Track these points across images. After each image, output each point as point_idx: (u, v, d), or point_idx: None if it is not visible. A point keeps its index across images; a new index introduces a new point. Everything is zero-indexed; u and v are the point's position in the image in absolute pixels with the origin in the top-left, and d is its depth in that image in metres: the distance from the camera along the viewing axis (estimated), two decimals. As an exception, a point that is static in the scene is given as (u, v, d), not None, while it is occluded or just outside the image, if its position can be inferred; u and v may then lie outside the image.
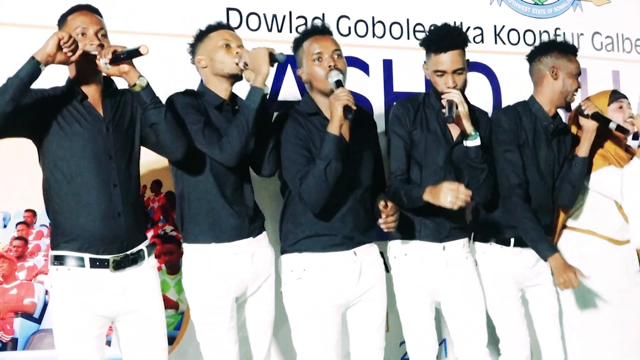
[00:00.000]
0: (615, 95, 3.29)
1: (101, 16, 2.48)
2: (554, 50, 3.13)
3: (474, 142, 2.80)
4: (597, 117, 3.05)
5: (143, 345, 2.51)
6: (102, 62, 2.31)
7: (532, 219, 3.01)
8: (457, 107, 2.77)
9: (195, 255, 2.66)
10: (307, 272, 2.69)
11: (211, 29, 2.76)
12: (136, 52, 2.29)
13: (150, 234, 3.11)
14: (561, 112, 3.30)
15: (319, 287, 2.70)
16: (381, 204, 2.61)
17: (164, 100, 2.62)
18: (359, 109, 2.79)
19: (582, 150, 3.10)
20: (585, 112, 3.07)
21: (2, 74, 2.65)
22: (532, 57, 3.15)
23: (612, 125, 3.08)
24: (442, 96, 2.82)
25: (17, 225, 2.95)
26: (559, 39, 3.60)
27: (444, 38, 2.85)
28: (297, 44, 2.81)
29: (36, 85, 2.42)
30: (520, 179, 3.03)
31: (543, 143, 3.12)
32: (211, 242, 2.63)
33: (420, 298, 2.90)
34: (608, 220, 3.23)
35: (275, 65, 2.59)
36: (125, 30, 2.94)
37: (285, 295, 2.75)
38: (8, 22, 3.00)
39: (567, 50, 3.14)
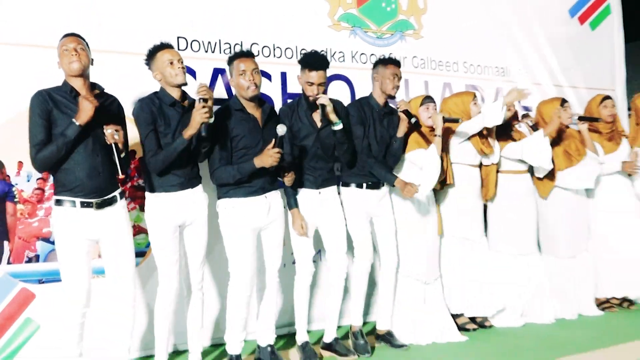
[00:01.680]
0: (425, 100, 3.59)
1: (82, 37, 2.62)
2: (378, 64, 3.39)
3: (338, 127, 3.08)
4: (406, 113, 3.31)
5: (117, 257, 2.68)
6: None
7: (379, 165, 3.31)
8: (326, 107, 3.01)
9: (153, 200, 2.85)
10: (235, 208, 2.94)
11: (157, 49, 2.82)
12: (118, 154, 2.55)
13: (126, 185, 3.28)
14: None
15: (242, 217, 2.93)
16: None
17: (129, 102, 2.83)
18: (268, 106, 3.08)
19: (400, 133, 3.38)
20: (400, 109, 3.34)
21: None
22: (372, 70, 3.42)
23: (413, 120, 3.31)
24: (317, 101, 3.01)
25: (37, 180, 3.12)
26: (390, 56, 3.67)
27: (316, 61, 3.04)
28: (230, 61, 2.97)
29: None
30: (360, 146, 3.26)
31: (377, 122, 3.38)
32: (161, 192, 2.82)
33: (309, 225, 3.18)
34: (415, 176, 3.45)
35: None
36: (101, 50, 3.02)
37: (221, 224, 2.97)
38: (5, 41, 3.04)
39: (386, 62, 3.37)
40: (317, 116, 3.17)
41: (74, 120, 2.48)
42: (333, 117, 3.05)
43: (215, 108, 2.87)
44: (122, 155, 2.59)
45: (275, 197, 3.05)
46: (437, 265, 3.65)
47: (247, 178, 2.89)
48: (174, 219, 2.83)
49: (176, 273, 2.84)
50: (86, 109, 2.48)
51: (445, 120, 3.49)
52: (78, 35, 2.63)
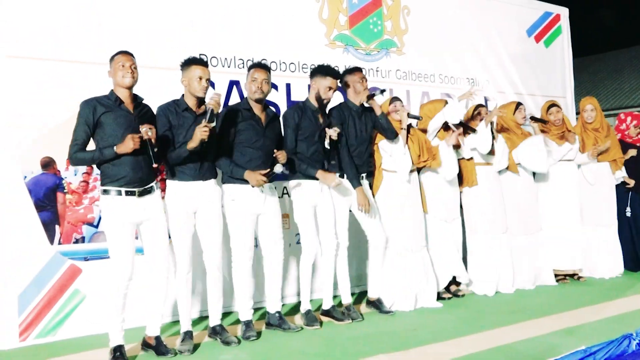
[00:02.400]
0: (393, 99, 3.76)
1: (133, 56, 2.78)
2: (346, 73, 3.55)
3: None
4: (370, 96, 3.45)
5: (154, 238, 2.82)
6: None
7: (353, 164, 3.47)
8: (333, 135, 3.19)
9: (171, 187, 2.98)
10: (238, 196, 3.07)
11: (193, 61, 2.95)
12: (154, 155, 2.68)
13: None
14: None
15: (243, 204, 3.08)
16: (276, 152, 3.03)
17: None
18: (271, 110, 3.22)
19: (377, 112, 3.50)
20: (375, 95, 3.47)
21: (13, 104, 3.04)
22: (341, 79, 3.53)
23: (385, 97, 3.53)
24: (331, 135, 3.20)
25: (82, 174, 3.34)
26: (350, 66, 3.74)
27: (336, 72, 3.34)
28: (249, 68, 3.16)
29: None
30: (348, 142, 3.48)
31: (356, 120, 3.52)
32: (177, 180, 2.94)
33: (308, 210, 3.30)
34: (396, 165, 3.66)
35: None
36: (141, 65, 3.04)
37: (226, 208, 3.09)
38: (19, 55, 3.11)
39: (353, 70, 3.54)
40: (320, 118, 3.36)
41: (114, 147, 2.64)
42: (334, 136, 3.30)
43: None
44: (155, 149, 2.71)
45: (270, 188, 3.18)
46: (423, 237, 3.77)
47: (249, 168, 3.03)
48: (186, 205, 2.94)
49: (189, 252, 2.93)
50: (128, 146, 2.63)
51: (409, 115, 3.66)
52: (132, 54, 2.79)
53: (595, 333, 3.01)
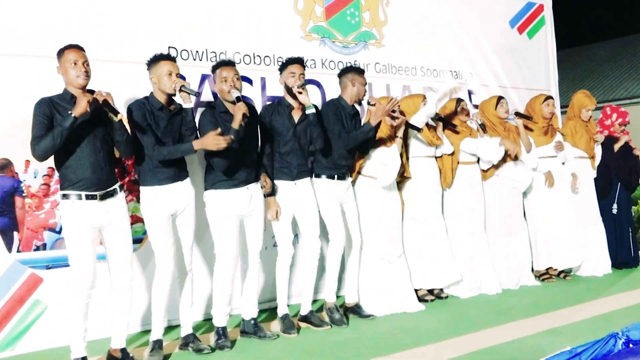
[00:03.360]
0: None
1: (84, 51, 2.67)
2: (352, 71, 3.57)
3: (310, 110, 3.22)
4: (373, 104, 3.51)
5: (116, 242, 2.76)
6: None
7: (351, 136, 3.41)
8: (302, 88, 3.15)
9: (147, 192, 2.95)
10: (220, 200, 3.07)
11: (161, 57, 2.94)
12: (113, 111, 2.58)
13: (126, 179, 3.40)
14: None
15: (227, 207, 3.07)
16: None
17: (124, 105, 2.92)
18: (249, 105, 3.16)
19: (373, 122, 3.38)
20: (370, 103, 3.55)
21: (3, 101, 3.01)
22: (340, 75, 3.59)
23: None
24: (298, 95, 3.18)
25: (43, 176, 3.21)
26: (355, 64, 3.99)
27: (293, 58, 3.32)
28: (214, 69, 3.11)
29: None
30: (342, 133, 3.43)
31: (348, 121, 3.54)
32: (154, 185, 2.93)
33: (284, 213, 3.30)
34: (378, 171, 3.67)
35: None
36: (98, 59, 3.07)
37: (208, 212, 3.11)
38: (8, 52, 3.08)
39: (360, 71, 3.59)
40: (295, 115, 3.31)
41: (70, 113, 2.52)
42: (306, 100, 3.18)
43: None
44: (118, 119, 2.63)
45: (256, 189, 3.19)
46: (400, 244, 3.81)
47: (231, 172, 3.02)
48: (167, 208, 2.93)
49: (172, 257, 2.94)
50: (81, 102, 2.51)
51: (408, 125, 3.68)
52: (82, 48, 2.68)
53: (580, 333, 3.02)
